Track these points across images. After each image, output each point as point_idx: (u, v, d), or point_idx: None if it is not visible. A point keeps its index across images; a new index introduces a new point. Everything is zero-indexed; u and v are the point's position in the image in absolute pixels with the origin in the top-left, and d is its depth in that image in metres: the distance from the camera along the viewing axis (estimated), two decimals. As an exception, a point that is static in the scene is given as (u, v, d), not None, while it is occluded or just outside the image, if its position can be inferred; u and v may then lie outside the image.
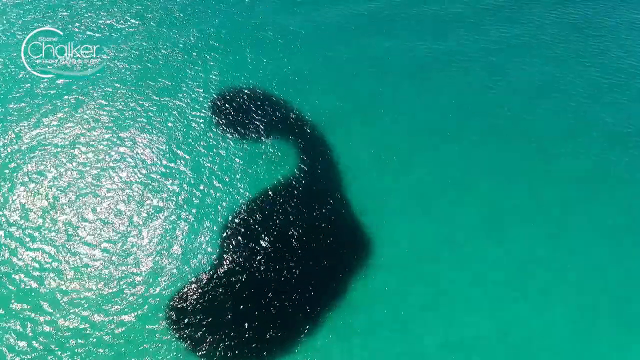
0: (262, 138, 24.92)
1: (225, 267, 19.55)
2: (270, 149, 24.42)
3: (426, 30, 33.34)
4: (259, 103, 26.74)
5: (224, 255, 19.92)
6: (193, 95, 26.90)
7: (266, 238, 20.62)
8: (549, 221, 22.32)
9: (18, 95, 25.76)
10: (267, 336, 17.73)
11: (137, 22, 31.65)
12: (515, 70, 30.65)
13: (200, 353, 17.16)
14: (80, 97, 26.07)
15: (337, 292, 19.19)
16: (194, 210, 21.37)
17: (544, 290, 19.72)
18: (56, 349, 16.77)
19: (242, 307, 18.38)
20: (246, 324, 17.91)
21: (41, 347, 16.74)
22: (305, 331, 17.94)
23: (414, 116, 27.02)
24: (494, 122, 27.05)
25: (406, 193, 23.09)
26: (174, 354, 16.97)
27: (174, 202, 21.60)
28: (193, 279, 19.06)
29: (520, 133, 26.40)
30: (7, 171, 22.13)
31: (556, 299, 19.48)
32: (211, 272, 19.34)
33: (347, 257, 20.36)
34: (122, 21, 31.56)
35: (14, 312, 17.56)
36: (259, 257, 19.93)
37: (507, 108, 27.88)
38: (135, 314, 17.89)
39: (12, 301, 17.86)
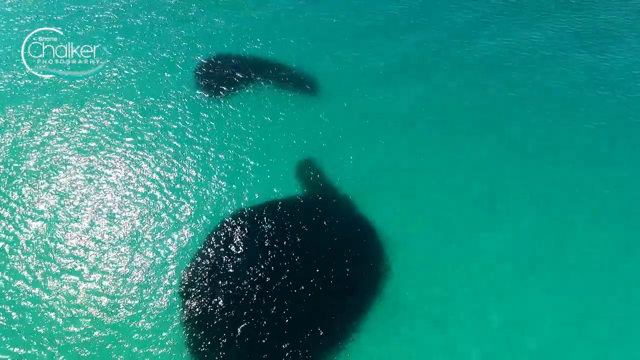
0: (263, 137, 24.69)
1: (227, 273, 19.20)
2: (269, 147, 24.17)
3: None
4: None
5: (224, 260, 19.58)
6: (194, 93, 26.62)
7: (265, 241, 20.26)
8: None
9: (18, 95, 25.57)
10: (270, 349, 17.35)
11: (137, 22, 31.48)
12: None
13: None
14: (80, 98, 25.83)
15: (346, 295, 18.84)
16: (192, 216, 21.06)
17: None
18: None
19: (247, 322, 18.01)
20: (254, 339, 17.53)
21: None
22: (312, 341, 17.53)
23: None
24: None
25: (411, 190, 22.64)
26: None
27: (174, 208, 21.24)
28: (192, 293, 18.70)
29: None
30: (3, 172, 21.85)
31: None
32: (213, 282, 18.98)
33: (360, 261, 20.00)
34: (122, 21, 31.39)
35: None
36: (261, 261, 19.57)
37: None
38: (142, 331, 17.42)
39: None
